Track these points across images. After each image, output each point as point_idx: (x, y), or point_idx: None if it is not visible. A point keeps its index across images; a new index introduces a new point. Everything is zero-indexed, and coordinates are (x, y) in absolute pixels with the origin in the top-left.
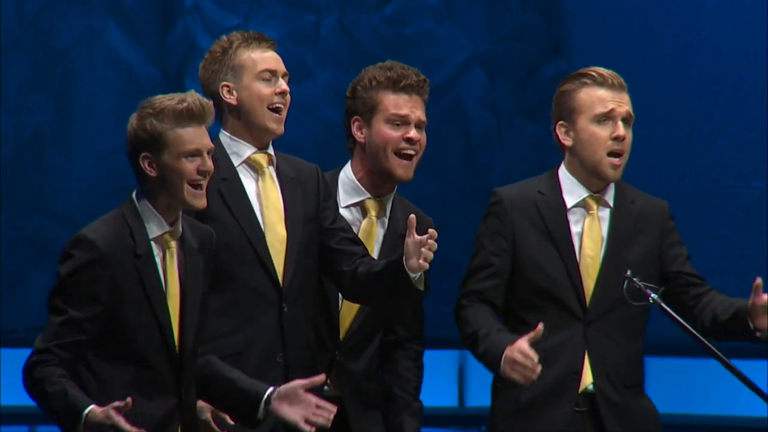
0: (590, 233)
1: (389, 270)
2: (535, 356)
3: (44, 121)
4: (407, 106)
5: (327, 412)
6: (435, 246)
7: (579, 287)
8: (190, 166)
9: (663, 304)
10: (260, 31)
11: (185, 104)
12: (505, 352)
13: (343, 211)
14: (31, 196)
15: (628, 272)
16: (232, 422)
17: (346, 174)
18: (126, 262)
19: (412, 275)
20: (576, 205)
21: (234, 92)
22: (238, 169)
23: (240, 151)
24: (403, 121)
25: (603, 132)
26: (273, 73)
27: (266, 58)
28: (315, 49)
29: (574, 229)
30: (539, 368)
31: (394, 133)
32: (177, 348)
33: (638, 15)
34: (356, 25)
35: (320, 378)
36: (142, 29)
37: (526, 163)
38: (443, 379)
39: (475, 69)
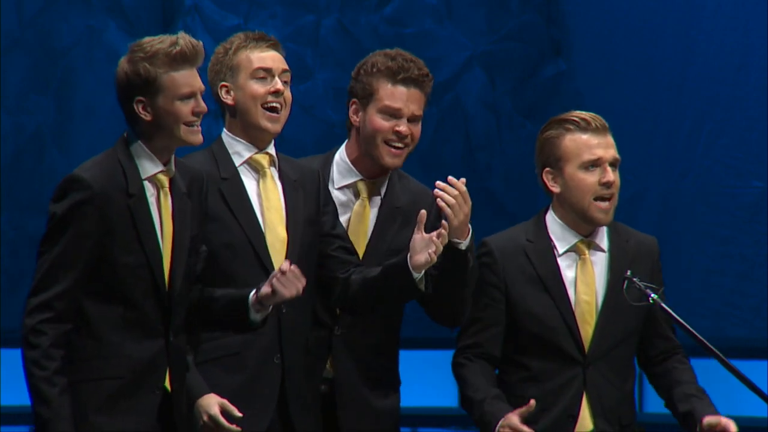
0: (584, 278)
1: (390, 270)
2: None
3: (44, 121)
4: (402, 99)
5: (290, 273)
6: (446, 240)
7: (576, 332)
8: (185, 108)
9: (663, 304)
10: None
11: (179, 47)
12: (498, 427)
13: (336, 193)
14: (31, 196)
15: (628, 272)
16: (239, 414)
17: (341, 156)
18: (118, 201)
19: (415, 275)
20: (567, 251)
21: (231, 92)
22: (239, 169)
23: (241, 151)
24: (395, 114)
25: (591, 178)
26: (268, 71)
27: (262, 57)
28: (315, 49)
29: (567, 274)
30: None
31: (384, 124)
32: (167, 289)
33: (638, 15)
34: (356, 25)
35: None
36: (142, 29)
37: (526, 163)
38: (443, 379)
39: (475, 69)
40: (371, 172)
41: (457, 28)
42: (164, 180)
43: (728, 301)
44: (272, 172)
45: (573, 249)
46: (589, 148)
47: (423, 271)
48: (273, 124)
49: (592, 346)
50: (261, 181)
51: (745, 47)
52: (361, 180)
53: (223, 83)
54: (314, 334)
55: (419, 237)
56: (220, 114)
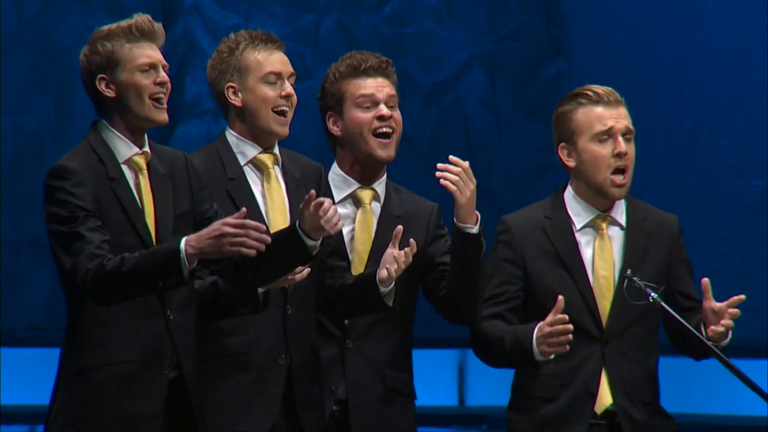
0: (601, 253)
1: (360, 282)
2: (564, 318)
3: (44, 121)
4: (372, 86)
5: (326, 204)
6: (410, 260)
7: (594, 308)
8: (146, 80)
9: (663, 304)
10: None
11: (132, 21)
12: (535, 334)
13: (337, 208)
14: (31, 196)
15: (628, 272)
16: (243, 210)
17: (334, 171)
18: (103, 185)
19: (382, 289)
20: (585, 227)
21: (239, 94)
22: (244, 168)
23: (246, 151)
24: (372, 102)
25: (604, 150)
26: (278, 75)
27: (272, 60)
28: (315, 49)
29: (585, 250)
30: (571, 327)
31: (365, 115)
32: None
33: (638, 15)
34: (356, 25)
35: (311, 194)
36: None
37: (526, 163)
38: (443, 379)
39: (475, 69)
40: (367, 177)
41: (457, 28)
42: (141, 162)
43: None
44: (276, 172)
45: (591, 224)
46: (600, 119)
47: (390, 286)
48: (283, 128)
49: (609, 322)
50: (265, 181)
51: (745, 47)
52: (359, 188)
53: (230, 84)
54: (327, 351)
55: (390, 252)
56: (222, 112)
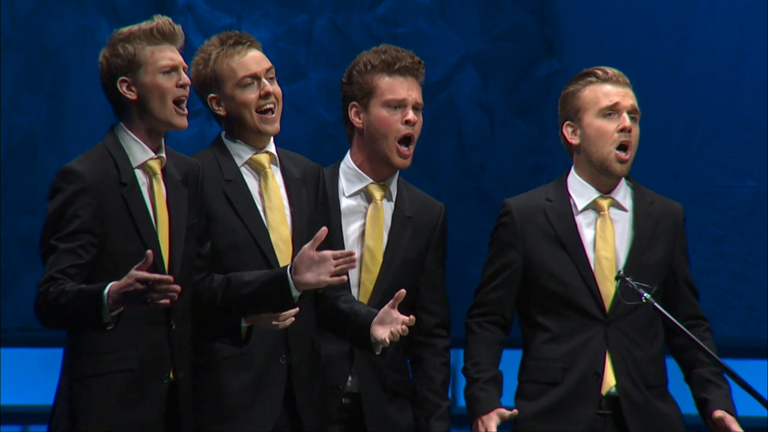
0: (603, 234)
1: (354, 320)
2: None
3: (37, 121)
4: (404, 88)
5: (348, 258)
6: (406, 332)
7: (595, 290)
8: (168, 82)
9: (656, 304)
10: (241, 31)
11: (154, 23)
12: (480, 418)
13: (347, 201)
14: (24, 196)
15: (621, 271)
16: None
17: (346, 163)
18: (112, 190)
19: (373, 338)
20: (586, 208)
21: (222, 103)
22: (241, 169)
23: (241, 153)
24: (400, 104)
25: (609, 125)
26: (253, 76)
27: (244, 62)
28: (308, 49)
29: (587, 232)
30: None
31: (392, 117)
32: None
33: (632, 14)
34: (349, 25)
35: (323, 231)
36: None
37: (519, 162)
38: None
39: (468, 69)
40: (380, 174)
41: (450, 27)
42: (156, 167)
43: (722, 301)
44: (273, 171)
45: (592, 205)
46: (607, 95)
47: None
48: (271, 126)
49: (613, 304)
50: (262, 181)
51: (739, 47)
52: (371, 183)
53: (212, 95)
54: (335, 347)
55: (387, 310)
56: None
